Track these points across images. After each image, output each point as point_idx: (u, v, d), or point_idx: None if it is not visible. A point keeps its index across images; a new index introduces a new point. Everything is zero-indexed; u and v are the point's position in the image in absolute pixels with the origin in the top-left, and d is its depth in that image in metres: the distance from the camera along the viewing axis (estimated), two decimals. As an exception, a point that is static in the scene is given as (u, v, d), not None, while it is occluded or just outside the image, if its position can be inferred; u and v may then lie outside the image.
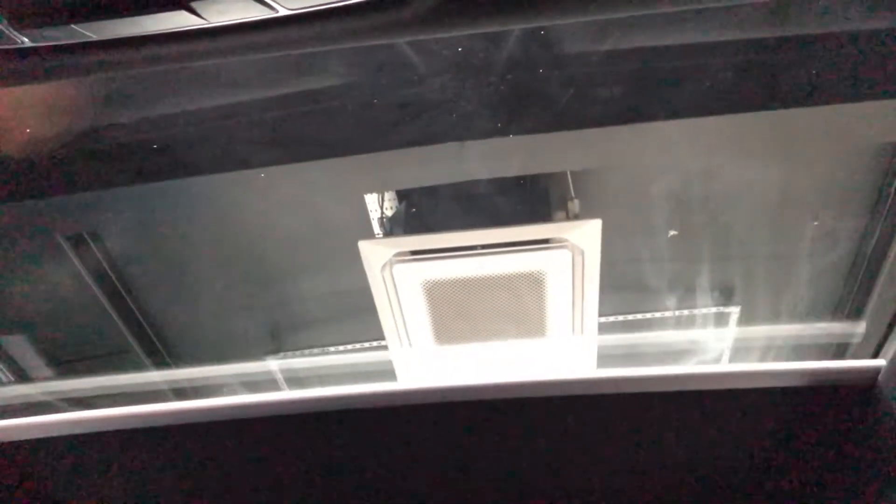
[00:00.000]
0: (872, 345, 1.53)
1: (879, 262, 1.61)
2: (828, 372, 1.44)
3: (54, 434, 1.15)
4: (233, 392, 1.88)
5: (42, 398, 1.90)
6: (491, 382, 1.43)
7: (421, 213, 1.50)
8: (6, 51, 0.67)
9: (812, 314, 1.73)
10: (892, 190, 1.49)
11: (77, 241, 1.58)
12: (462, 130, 1.03)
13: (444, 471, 1.25)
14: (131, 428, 1.14)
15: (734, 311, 1.75)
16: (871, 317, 1.72)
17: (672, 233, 1.55)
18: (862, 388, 1.42)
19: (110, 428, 1.13)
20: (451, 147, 1.07)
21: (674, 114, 1.01)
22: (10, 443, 1.17)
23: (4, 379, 1.85)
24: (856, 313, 1.71)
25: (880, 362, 1.48)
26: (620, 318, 1.79)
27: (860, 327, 1.75)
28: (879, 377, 1.42)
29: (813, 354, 1.84)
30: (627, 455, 1.25)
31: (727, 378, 1.51)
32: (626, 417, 1.47)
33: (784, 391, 1.40)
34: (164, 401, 1.09)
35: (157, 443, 1.17)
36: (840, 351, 1.78)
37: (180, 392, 1.92)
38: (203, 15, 0.64)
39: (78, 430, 1.15)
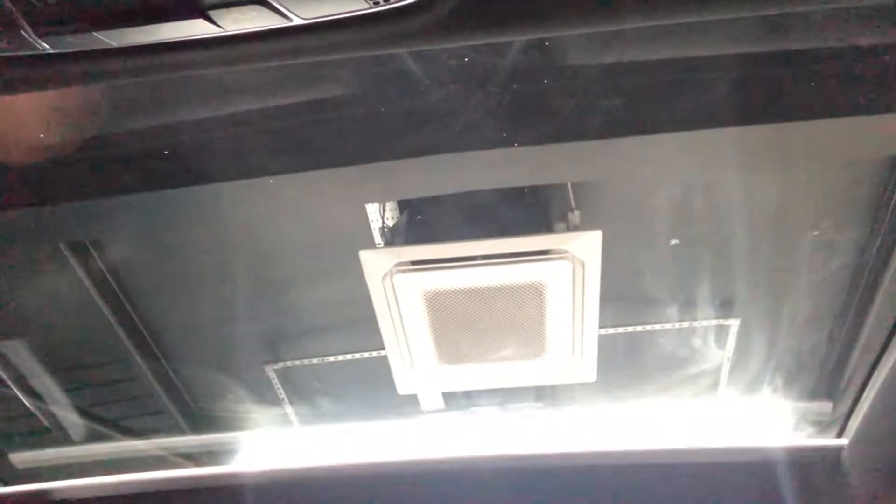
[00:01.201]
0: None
1: (849, 346, 1.67)
2: (794, 450, 1.57)
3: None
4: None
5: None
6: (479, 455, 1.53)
7: (422, 223, 1.51)
8: (29, 57, 0.69)
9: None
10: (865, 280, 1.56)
11: (81, 249, 1.59)
12: (465, 140, 1.05)
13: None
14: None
15: (734, 323, 1.76)
16: (838, 397, 1.78)
17: (674, 241, 1.57)
18: (827, 466, 1.53)
19: None
20: (453, 157, 1.09)
21: (674, 126, 1.03)
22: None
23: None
24: (824, 394, 1.77)
25: (843, 441, 1.60)
26: (620, 329, 1.80)
27: (826, 407, 1.82)
28: (842, 455, 1.51)
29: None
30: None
31: (695, 454, 1.63)
32: (596, 489, 1.57)
33: (752, 466, 1.50)
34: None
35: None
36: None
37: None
38: (219, 23, 0.66)
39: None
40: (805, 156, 1.13)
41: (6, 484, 1.67)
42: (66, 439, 1.96)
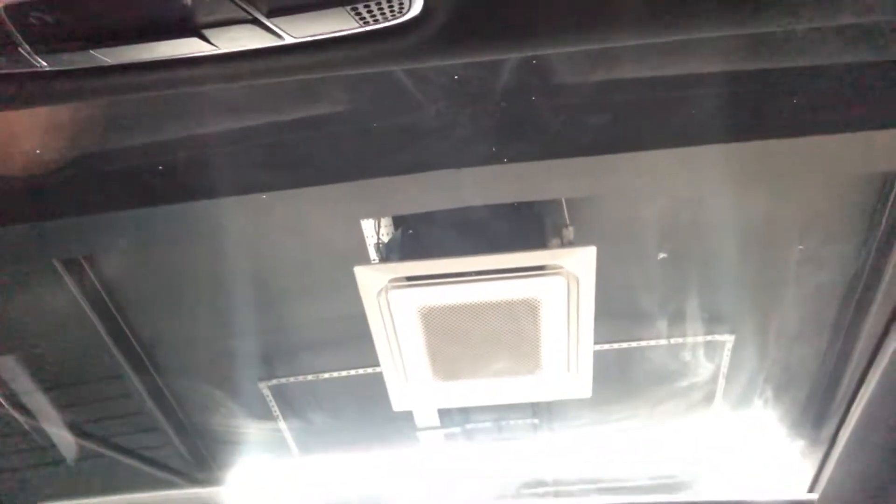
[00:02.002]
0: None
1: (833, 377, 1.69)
2: None
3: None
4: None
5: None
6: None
7: (417, 239, 1.52)
8: (26, 74, 0.70)
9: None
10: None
11: (75, 264, 1.59)
12: (457, 156, 1.06)
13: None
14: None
15: (728, 339, 1.77)
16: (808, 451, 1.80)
17: (662, 255, 1.58)
18: None
19: None
20: (447, 174, 1.10)
21: (666, 142, 1.04)
22: None
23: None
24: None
25: (813, 496, 1.66)
26: (615, 345, 1.80)
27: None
28: None
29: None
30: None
31: None
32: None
33: None
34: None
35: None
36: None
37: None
38: (214, 42, 0.67)
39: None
40: (798, 171, 1.14)
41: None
42: (57, 458, 1.95)
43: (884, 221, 1.46)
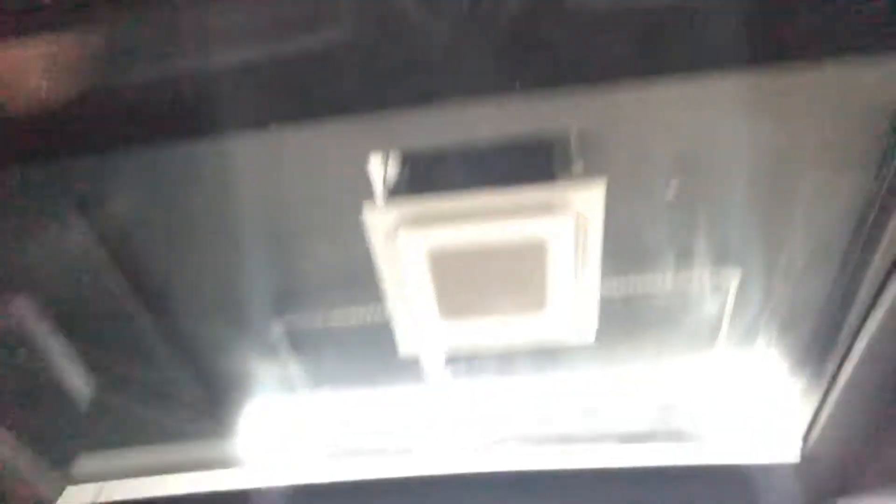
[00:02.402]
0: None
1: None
2: (747, 468, 1.83)
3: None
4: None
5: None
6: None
7: (425, 178, 1.51)
8: (25, 5, 0.68)
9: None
10: None
11: (84, 205, 1.59)
12: (467, 86, 1.05)
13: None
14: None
15: (734, 274, 1.77)
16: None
17: (671, 189, 1.57)
18: (779, 484, 1.76)
19: None
20: (456, 105, 1.09)
21: (679, 71, 1.02)
22: None
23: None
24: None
25: (795, 459, 1.68)
26: (621, 284, 1.81)
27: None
28: (794, 472, 1.60)
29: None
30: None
31: (649, 470, 1.83)
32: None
33: (705, 483, 1.80)
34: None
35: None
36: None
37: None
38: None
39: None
40: (813, 101, 1.12)
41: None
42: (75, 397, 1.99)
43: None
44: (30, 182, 1.34)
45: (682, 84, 1.00)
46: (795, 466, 1.77)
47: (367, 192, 1.55)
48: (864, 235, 1.58)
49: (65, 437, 2.08)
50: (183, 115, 1.20)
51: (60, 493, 2.02)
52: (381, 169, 1.52)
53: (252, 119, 1.17)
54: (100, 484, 2.06)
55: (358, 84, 1.11)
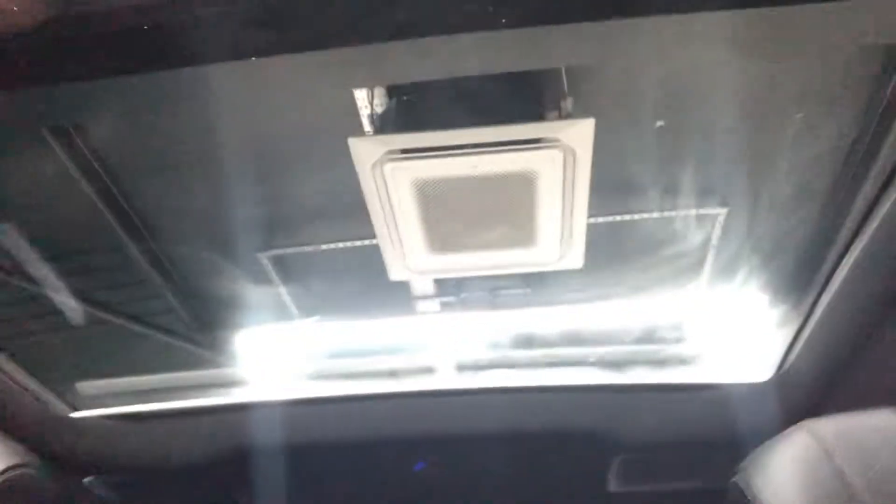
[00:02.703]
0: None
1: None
2: (725, 385, 1.92)
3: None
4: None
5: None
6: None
7: (412, 110, 1.48)
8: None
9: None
10: None
11: (64, 134, 1.56)
12: (454, 19, 1.01)
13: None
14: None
15: (721, 212, 1.78)
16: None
17: (659, 124, 1.55)
18: (755, 400, 1.82)
19: None
20: (443, 39, 1.05)
21: (669, 8, 0.99)
22: None
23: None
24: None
25: (771, 376, 1.83)
26: (609, 218, 1.82)
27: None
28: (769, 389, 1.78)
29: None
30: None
31: (632, 387, 2.03)
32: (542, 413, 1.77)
33: (686, 399, 1.89)
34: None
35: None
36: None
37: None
38: None
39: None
40: (800, 41, 1.10)
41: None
42: (64, 324, 2.03)
43: (888, 94, 1.43)
44: (16, 107, 1.31)
45: (670, 22, 0.98)
46: (770, 386, 1.84)
47: (356, 124, 1.53)
48: (849, 174, 1.59)
49: (63, 364, 2.14)
50: (164, 45, 1.16)
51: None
52: (367, 101, 1.49)
53: (235, 50, 1.13)
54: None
55: (343, 17, 1.07)
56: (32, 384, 1.93)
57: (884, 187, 1.42)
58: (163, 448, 2.10)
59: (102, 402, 2.10)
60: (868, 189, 1.53)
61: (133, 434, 2.09)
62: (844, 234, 1.58)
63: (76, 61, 1.20)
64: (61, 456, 2.02)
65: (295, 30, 1.12)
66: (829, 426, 1.09)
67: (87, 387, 2.15)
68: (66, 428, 2.05)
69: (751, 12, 0.98)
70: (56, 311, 1.99)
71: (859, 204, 1.55)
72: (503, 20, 0.97)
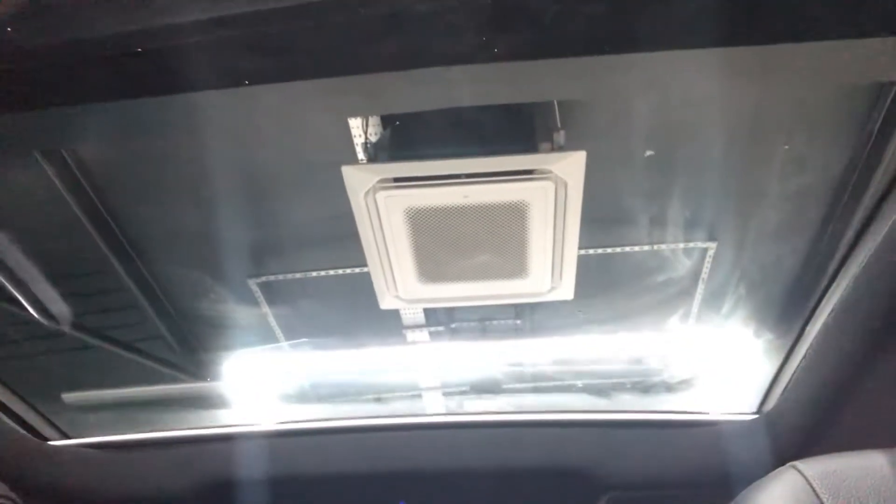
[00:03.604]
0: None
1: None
2: (714, 421, 1.85)
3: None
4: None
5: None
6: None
7: (406, 140, 1.49)
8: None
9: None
10: None
11: (57, 157, 1.56)
12: (447, 50, 1.02)
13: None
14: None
15: (711, 246, 1.79)
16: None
17: (649, 153, 1.57)
18: (744, 435, 1.79)
19: None
20: (438, 71, 1.06)
21: (662, 44, 1.00)
22: None
23: None
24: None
25: (760, 413, 1.80)
26: (600, 250, 1.83)
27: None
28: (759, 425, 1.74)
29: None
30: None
31: (622, 422, 1.96)
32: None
33: (675, 433, 1.86)
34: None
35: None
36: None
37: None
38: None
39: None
40: (792, 77, 1.12)
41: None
42: (47, 348, 2.00)
43: (875, 130, 1.45)
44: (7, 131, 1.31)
45: (661, 57, 0.99)
46: (759, 423, 1.83)
47: (350, 153, 1.54)
48: (837, 209, 1.61)
49: (42, 391, 2.10)
50: (158, 70, 1.16)
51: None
52: (361, 130, 1.50)
53: (233, 77, 1.13)
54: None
55: (338, 46, 1.08)
56: (10, 411, 1.89)
57: (869, 220, 1.43)
58: (143, 478, 2.05)
59: (83, 431, 2.06)
60: (857, 220, 1.54)
61: (113, 464, 2.04)
62: (832, 268, 1.59)
63: (68, 86, 1.20)
64: (39, 487, 1.96)
65: (290, 58, 1.13)
66: (818, 466, 1.08)
67: (67, 413, 2.11)
68: (44, 457, 2.00)
69: (742, 49, 1.00)
70: (39, 336, 1.97)
71: (848, 237, 1.57)
72: (495, 51, 0.98)
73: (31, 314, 1.92)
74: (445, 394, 2.23)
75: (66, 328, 1.97)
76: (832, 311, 1.53)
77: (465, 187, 1.42)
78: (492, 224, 1.51)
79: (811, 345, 1.62)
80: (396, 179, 1.42)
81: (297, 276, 1.94)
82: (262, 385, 2.24)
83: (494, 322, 2.15)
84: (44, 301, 1.91)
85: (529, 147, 1.42)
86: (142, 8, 1.11)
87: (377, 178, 1.41)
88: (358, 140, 1.53)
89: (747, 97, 1.44)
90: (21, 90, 1.19)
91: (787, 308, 1.87)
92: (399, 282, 1.66)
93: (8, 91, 1.20)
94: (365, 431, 1.99)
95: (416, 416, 2.13)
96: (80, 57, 1.18)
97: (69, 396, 2.12)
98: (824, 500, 0.99)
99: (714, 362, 2.11)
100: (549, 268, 1.60)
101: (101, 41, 1.16)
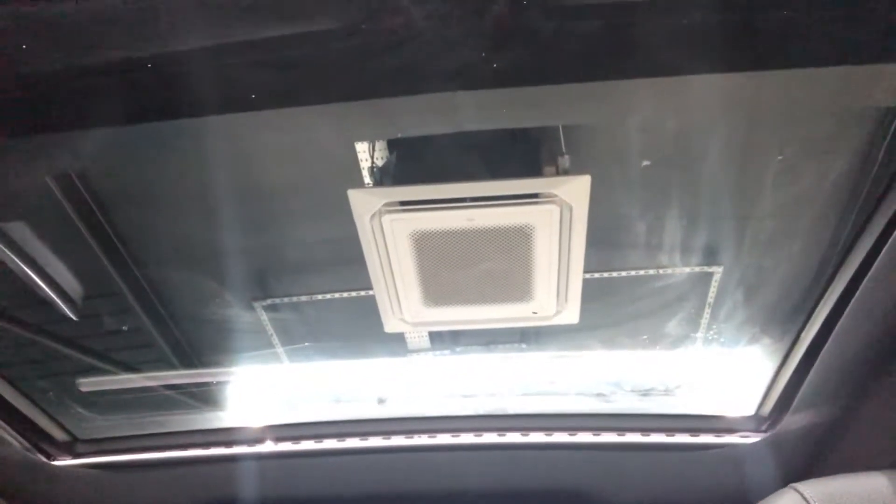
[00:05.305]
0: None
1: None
2: (715, 443, 1.84)
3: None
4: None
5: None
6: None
7: (412, 163, 1.50)
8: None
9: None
10: None
11: (64, 179, 1.57)
12: (449, 73, 1.04)
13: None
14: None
15: (717, 270, 1.79)
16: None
17: (645, 163, 1.57)
18: (746, 457, 1.79)
19: None
20: (445, 96, 1.08)
21: (666, 70, 1.01)
22: None
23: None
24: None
25: (762, 436, 1.79)
26: (605, 274, 1.82)
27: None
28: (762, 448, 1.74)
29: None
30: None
31: (621, 444, 1.92)
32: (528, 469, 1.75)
33: (675, 455, 1.85)
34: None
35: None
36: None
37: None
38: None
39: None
40: (800, 103, 1.12)
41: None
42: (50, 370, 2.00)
43: (880, 155, 1.45)
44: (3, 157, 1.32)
45: (666, 83, 1.00)
46: (761, 445, 1.81)
47: (356, 176, 1.55)
48: (844, 240, 1.60)
49: (45, 412, 2.10)
50: (166, 95, 1.18)
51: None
52: (368, 154, 1.52)
53: (238, 102, 1.15)
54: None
55: (345, 71, 1.09)
56: (12, 431, 1.89)
57: (880, 243, 1.42)
58: (147, 499, 2.04)
59: (85, 450, 2.05)
60: (863, 244, 1.54)
61: (116, 484, 2.03)
62: (841, 287, 1.58)
63: (77, 110, 1.21)
64: (41, 506, 1.96)
65: (297, 83, 1.15)
66: (818, 487, 1.07)
67: (70, 432, 2.10)
68: (47, 477, 1.99)
69: (747, 74, 1.00)
70: (41, 358, 1.97)
71: (855, 258, 1.56)
72: (500, 76, 0.99)
73: (35, 333, 1.92)
74: (448, 420, 2.21)
75: (70, 349, 1.98)
76: (838, 332, 1.52)
77: (471, 211, 1.43)
78: (497, 247, 1.51)
79: (816, 368, 1.61)
80: (402, 203, 1.43)
81: (303, 298, 1.94)
82: (265, 407, 2.23)
83: (500, 346, 2.14)
84: (48, 320, 1.91)
85: (534, 171, 1.43)
86: (151, 34, 1.13)
87: (383, 202, 1.42)
88: (364, 164, 1.54)
89: (756, 122, 1.44)
90: (24, 115, 1.21)
91: (791, 329, 1.85)
92: (404, 305, 1.66)
93: (11, 116, 1.21)
94: (365, 454, 1.97)
95: (417, 437, 2.11)
96: (86, 83, 1.19)
97: (67, 430, 2.10)
98: None
99: (718, 383, 2.09)
100: (555, 291, 1.60)
101: (110, 67, 1.18)
